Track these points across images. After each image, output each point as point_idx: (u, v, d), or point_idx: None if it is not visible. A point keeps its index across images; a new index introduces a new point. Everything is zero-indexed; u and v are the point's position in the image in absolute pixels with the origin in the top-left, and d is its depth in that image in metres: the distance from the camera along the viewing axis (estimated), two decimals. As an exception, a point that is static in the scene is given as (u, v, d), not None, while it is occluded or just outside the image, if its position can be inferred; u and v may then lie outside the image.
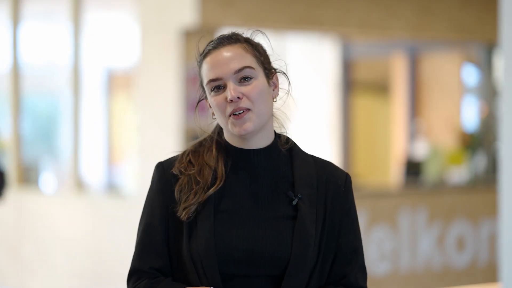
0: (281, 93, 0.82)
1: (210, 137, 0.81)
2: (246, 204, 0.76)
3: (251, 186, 0.77)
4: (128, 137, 7.40)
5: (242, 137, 0.75)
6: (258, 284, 0.74)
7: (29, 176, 5.40)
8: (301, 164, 0.79)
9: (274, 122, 0.82)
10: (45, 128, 8.66)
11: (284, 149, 0.80)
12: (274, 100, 0.80)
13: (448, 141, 6.20)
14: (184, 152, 0.80)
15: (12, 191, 4.66)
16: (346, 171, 0.85)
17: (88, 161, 6.51)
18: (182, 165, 0.77)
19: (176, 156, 0.80)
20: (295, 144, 0.83)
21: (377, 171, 7.17)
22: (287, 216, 0.75)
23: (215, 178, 0.75)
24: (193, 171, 0.76)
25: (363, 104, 7.20)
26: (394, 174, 6.63)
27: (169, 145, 3.61)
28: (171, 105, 3.80)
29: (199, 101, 0.84)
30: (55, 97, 8.09)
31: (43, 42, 6.91)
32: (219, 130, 0.81)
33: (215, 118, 0.78)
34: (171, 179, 0.77)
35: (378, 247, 4.09)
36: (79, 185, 4.48)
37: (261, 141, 0.78)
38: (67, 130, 4.92)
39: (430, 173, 5.59)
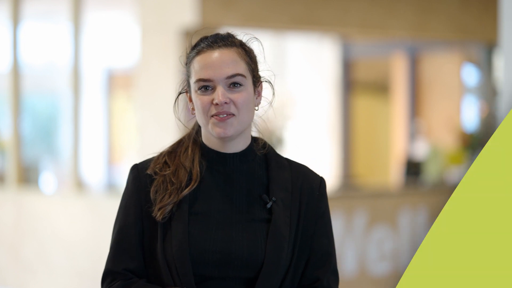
0: (263, 102, 0.81)
1: (189, 135, 0.81)
2: (221, 207, 0.75)
3: (225, 188, 0.77)
4: (128, 137, 7.41)
5: (221, 139, 0.75)
6: (231, 286, 0.73)
7: (29, 176, 5.40)
8: (276, 167, 0.79)
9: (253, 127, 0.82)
10: (45, 128, 8.67)
11: (260, 153, 0.80)
12: (256, 109, 0.79)
13: (448, 141, 6.20)
14: (160, 154, 0.80)
15: (12, 191, 4.66)
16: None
17: (88, 161, 6.52)
18: (158, 165, 0.77)
19: (152, 158, 0.80)
20: (271, 148, 0.82)
21: (377, 171, 7.17)
22: (261, 219, 0.75)
23: (190, 179, 0.75)
24: (169, 171, 0.76)
25: (363, 104, 7.20)
26: (394, 174, 6.63)
27: (169, 144, 3.60)
28: (171, 105, 3.78)
29: (180, 93, 0.84)
30: (55, 97, 8.11)
31: (43, 42, 6.91)
32: (198, 129, 0.80)
33: (194, 114, 0.78)
34: (146, 180, 0.76)
35: (378, 247, 4.09)
36: (79, 185, 4.48)
37: (238, 146, 0.78)
38: (67, 130, 4.91)
39: (430, 173, 5.58)
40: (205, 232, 0.73)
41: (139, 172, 0.78)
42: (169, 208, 0.72)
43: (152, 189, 0.75)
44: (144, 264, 0.76)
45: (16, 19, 4.62)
